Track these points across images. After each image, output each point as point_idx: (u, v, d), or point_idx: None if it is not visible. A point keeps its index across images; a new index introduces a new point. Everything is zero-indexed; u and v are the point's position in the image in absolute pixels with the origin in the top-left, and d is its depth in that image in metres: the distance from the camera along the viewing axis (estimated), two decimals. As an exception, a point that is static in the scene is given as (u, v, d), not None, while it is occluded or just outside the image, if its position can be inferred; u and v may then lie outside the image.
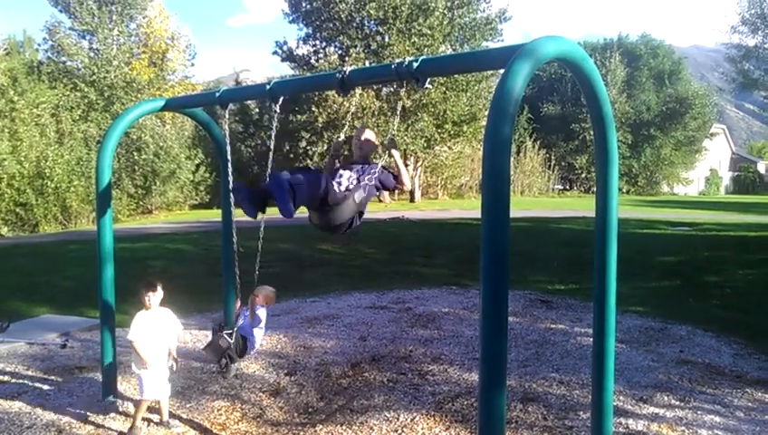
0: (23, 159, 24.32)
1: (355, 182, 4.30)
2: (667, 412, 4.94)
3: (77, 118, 28.88)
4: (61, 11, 32.41)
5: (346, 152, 5.17)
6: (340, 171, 4.44)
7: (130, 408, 5.17)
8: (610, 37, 54.94)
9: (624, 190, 48.63)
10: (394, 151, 4.45)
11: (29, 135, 25.10)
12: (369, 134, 4.62)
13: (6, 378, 5.84)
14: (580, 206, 26.68)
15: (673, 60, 54.63)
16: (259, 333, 4.50)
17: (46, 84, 29.27)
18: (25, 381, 5.72)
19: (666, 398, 5.23)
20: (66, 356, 6.54)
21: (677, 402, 5.15)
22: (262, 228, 4.66)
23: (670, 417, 4.86)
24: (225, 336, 4.31)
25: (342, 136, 5.19)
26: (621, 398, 5.16)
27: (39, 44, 33.78)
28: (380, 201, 32.90)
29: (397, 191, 35.87)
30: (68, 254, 13.18)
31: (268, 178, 3.98)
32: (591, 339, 4.03)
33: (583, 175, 50.42)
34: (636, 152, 50.77)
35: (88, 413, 5.05)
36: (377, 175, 4.28)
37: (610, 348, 3.90)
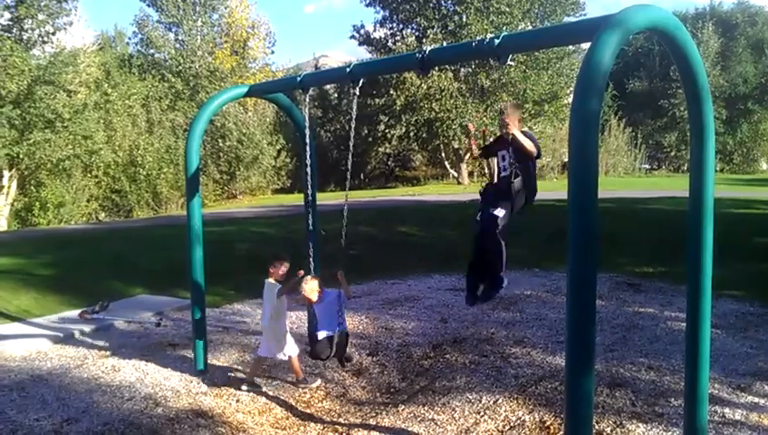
0: (117, 148, 25.65)
1: (508, 168, 4.56)
2: (768, 402, 4.66)
3: (165, 107, 30.16)
4: (149, 5, 33.82)
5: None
6: (501, 152, 4.81)
7: (220, 382, 5.38)
8: (702, 5, 51.87)
9: (718, 169, 45.92)
10: (514, 132, 4.54)
11: (122, 125, 26.44)
12: (510, 109, 4.84)
13: (108, 353, 6.21)
14: (668, 185, 25.41)
15: (774, 28, 50.80)
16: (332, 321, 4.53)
17: (136, 76, 30.68)
18: (125, 357, 6.05)
19: (766, 387, 4.93)
20: (161, 334, 6.88)
21: (780, 392, 4.84)
22: (345, 212, 4.64)
23: (771, 407, 4.58)
24: (323, 346, 4.47)
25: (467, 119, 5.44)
26: (716, 385, 4.90)
27: (129, 38, 35.49)
28: (459, 183, 32.43)
29: (476, 172, 35.41)
30: (159, 238, 13.79)
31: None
32: (683, 323, 3.85)
33: (672, 153, 48.04)
34: (731, 128, 47.76)
35: (182, 387, 5.30)
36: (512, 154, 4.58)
37: (706, 332, 3.71)
